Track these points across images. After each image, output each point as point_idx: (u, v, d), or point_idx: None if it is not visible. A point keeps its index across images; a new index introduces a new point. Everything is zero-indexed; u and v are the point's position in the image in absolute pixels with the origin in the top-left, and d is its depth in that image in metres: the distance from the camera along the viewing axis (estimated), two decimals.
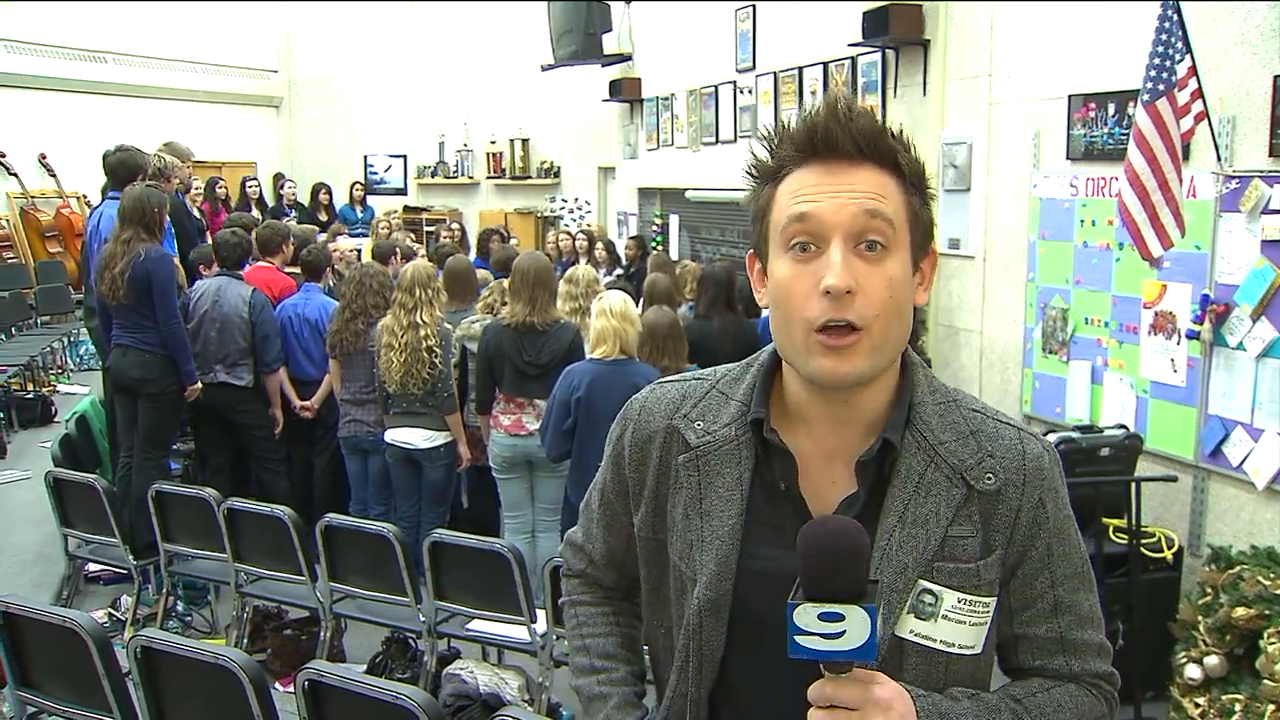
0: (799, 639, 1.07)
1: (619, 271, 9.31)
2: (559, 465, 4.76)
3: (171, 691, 2.76)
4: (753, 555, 1.29)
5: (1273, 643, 3.38)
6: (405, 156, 14.70)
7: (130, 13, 12.29)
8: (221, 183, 10.99)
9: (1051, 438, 4.39)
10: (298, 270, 6.30)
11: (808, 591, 1.08)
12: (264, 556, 4.41)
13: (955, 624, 1.25)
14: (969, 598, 1.25)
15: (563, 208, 14.08)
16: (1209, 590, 3.72)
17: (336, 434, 5.66)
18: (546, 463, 4.83)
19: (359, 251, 7.69)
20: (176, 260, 5.72)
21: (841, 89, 7.12)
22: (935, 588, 1.24)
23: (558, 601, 1.64)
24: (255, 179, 12.03)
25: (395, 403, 5.22)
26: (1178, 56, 3.82)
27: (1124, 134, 4.62)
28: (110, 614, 5.00)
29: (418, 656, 4.25)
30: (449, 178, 14.73)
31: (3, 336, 9.99)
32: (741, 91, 8.98)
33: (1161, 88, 3.81)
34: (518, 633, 3.93)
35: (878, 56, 6.80)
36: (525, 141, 14.30)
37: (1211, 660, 3.62)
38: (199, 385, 5.40)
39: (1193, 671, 3.67)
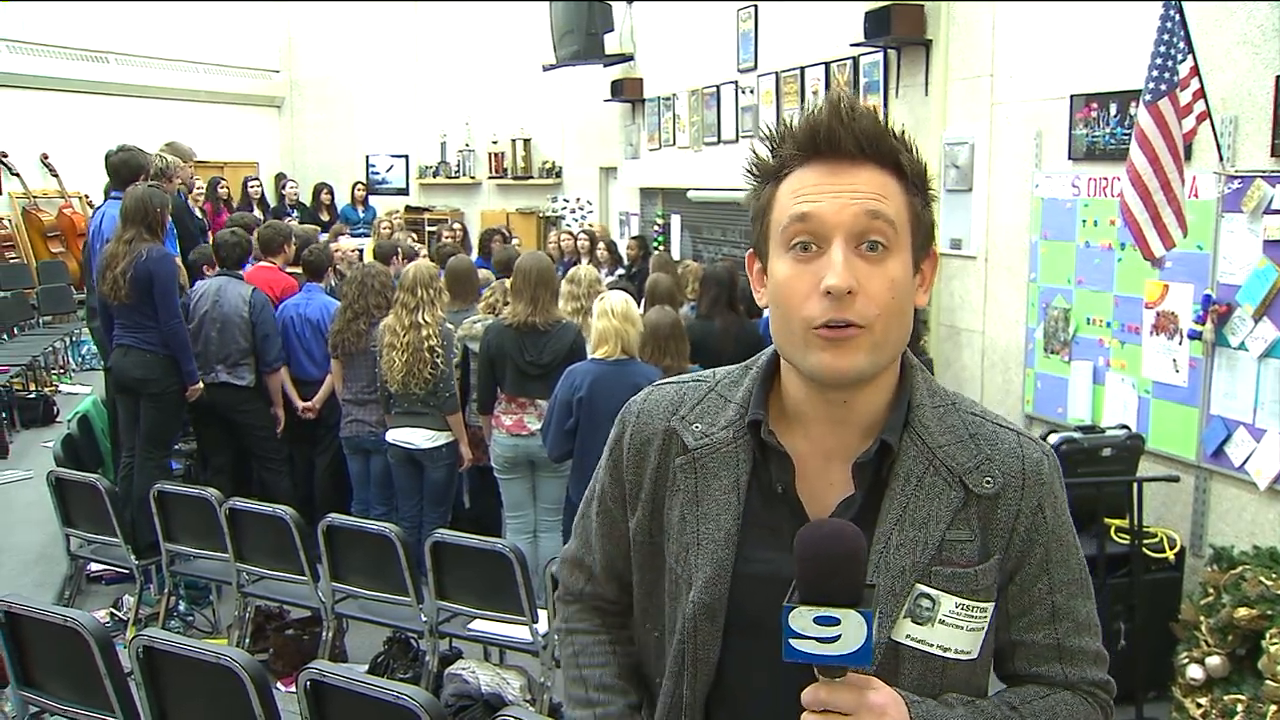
0: (794, 642, 1.07)
1: (620, 271, 9.32)
2: (561, 465, 4.76)
3: (173, 691, 2.76)
4: (749, 558, 1.28)
5: (1275, 643, 3.37)
6: (407, 156, 14.70)
7: (132, 13, 12.30)
8: (223, 183, 10.99)
9: (1053, 438, 4.40)
10: (299, 270, 6.31)
11: (803, 595, 1.08)
12: (266, 556, 4.41)
13: (952, 629, 1.24)
14: (966, 602, 1.24)
15: (564, 208, 14.09)
16: (1211, 590, 3.72)
17: (338, 434, 5.66)
18: (548, 463, 4.83)
19: (361, 251, 7.69)
20: (179, 260, 5.73)
21: (844, 89, 7.12)
22: (933, 592, 1.23)
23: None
24: (257, 179, 12.04)
25: (397, 403, 5.22)
26: (1180, 56, 3.82)
27: (1126, 134, 4.62)
28: (112, 614, 5.00)
29: (419, 656, 4.25)
30: (451, 178, 14.73)
31: (5, 336, 10.00)
32: (743, 91, 8.98)
33: (1164, 88, 3.81)
34: (519, 633, 3.93)
35: (880, 56, 6.80)
36: (527, 141, 14.31)
37: (1213, 660, 3.62)
38: (201, 385, 5.41)
39: (1195, 672, 3.67)
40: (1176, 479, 4.39)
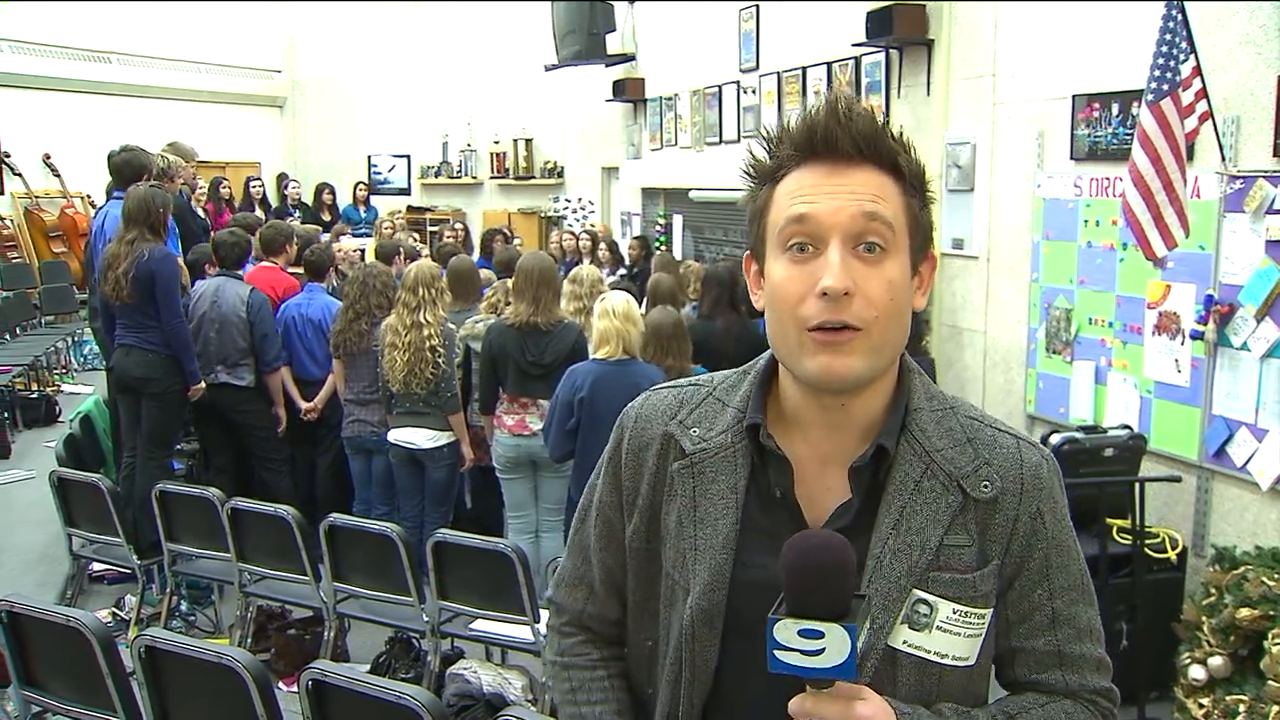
0: (778, 654, 1.06)
1: (622, 271, 9.32)
2: (562, 465, 4.76)
3: (175, 691, 2.77)
4: (747, 564, 1.26)
5: (1277, 643, 3.37)
6: (409, 156, 14.70)
7: (134, 13, 12.30)
8: (225, 183, 11.00)
9: (1055, 438, 4.40)
10: (301, 270, 6.31)
11: (790, 607, 1.07)
12: (267, 556, 4.41)
13: (950, 635, 1.23)
14: (964, 609, 1.23)
15: (566, 208, 14.10)
16: (1213, 591, 3.72)
17: (340, 434, 5.67)
18: (550, 463, 4.83)
19: (362, 251, 7.68)
20: (181, 260, 5.73)
21: (844, 89, 7.11)
22: (930, 598, 1.22)
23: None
24: (259, 179, 12.04)
25: (399, 402, 5.22)
26: (1182, 56, 3.82)
27: (1128, 134, 4.62)
28: (114, 613, 5.01)
29: (421, 656, 4.25)
30: (453, 178, 14.74)
31: (7, 336, 10.00)
32: (745, 91, 8.98)
33: (1166, 88, 3.81)
34: (521, 633, 3.93)
35: (881, 56, 6.79)
36: (529, 141, 14.31)
37: (1216, 661, 3.61)
38: (203, 385, 5.41)
39: (1197, 672, 3.66)
40: (1178, 479, 4.39)
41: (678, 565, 1.30)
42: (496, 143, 14.44)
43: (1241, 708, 3.48)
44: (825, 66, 7.52)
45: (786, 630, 1.06)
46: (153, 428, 5.30)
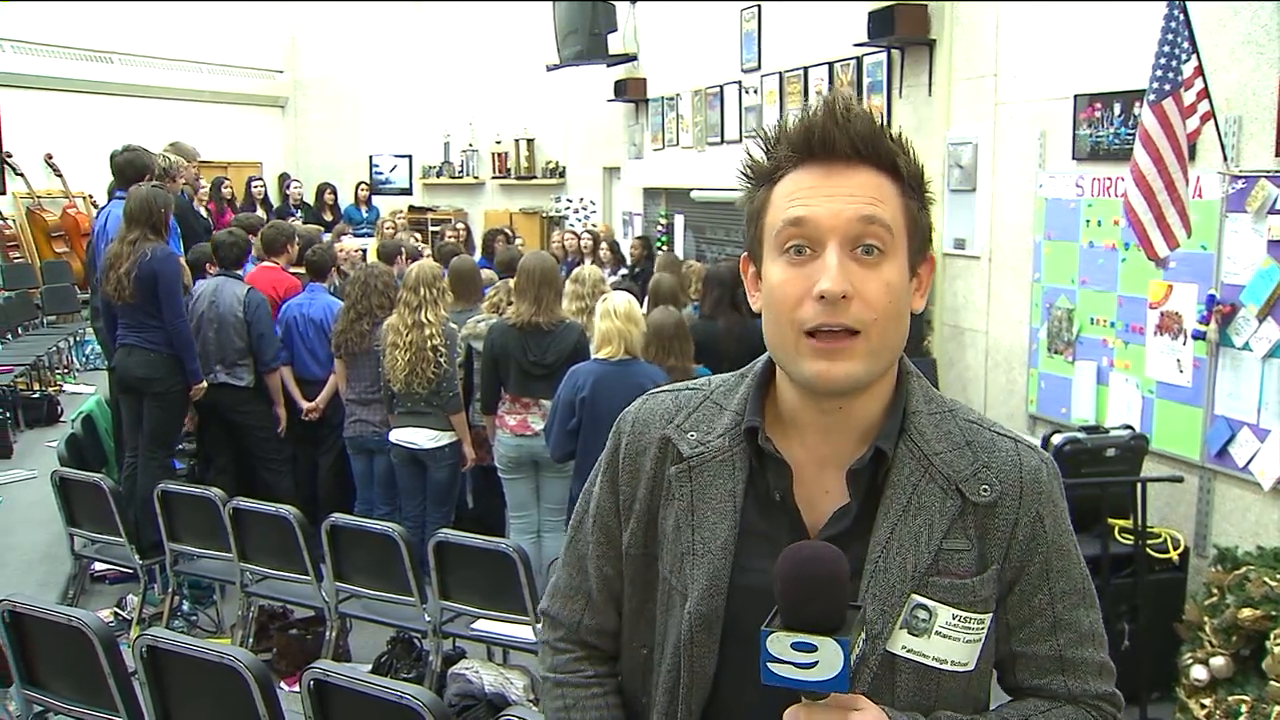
0: (771, 666, 1.05)
1: (624, 271, 9.32)
2: (564, 465, 4.76)
3: (177, 690, 2.77)
4: (746, 568, 1.25)
5: (1279, 644, 3.37)
6: (410, 156, 14.71)
7: (136, 13, 12.31)
8: (227, 183, 11.01)
9: (1057, 438, 4.40)
10: (303, 270, 6.31)
11: (783, 618, 1.06)
12: (269, 556, 4.41)
13: (949, 641, 1.22)
14: (964, 614, 1.22)
15: (568, 208, 14.10)
16: (1215, 591, 3.71)
17: (342, 434, 5.67)
18: (552, 463, 4.83)
19: (364, 251, 7.69)
20: (183, 260, 5.73)
21: (844, 89, 7.11)
22: (929, 603, 1.21)
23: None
24: (261, 179, 12.06)
25: (400, 402, 5.22)
26: (1184, 56, 3.81)
27: (1130, 134, 4.61)
28: (116, 613, 5.01)
29: (423, 656, 4.25)
30: (454, 178, 14.75)
31: (9, 336, 10.01)
32: (747, 91, 8.97)
33: (1167, 87, 3.81)
34: (523, 632, 3.93)
35: (883, 56, 6.79)
36: (530, 141, 14.32)
37: (1218, 661, 3.61)
38: (205, 384, 5.42)
39: (1199, 672, 3.66)
40: (1180, 479, 4.39)
41: (675, 570, 1.29)
42: (498, 143, 14.45)
43: (1243, 708, 3.47)
44: (827, 66, 7.51)
45: (780, 642, 1.05)
46: (154, 427, 5.30)
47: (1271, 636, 3.41)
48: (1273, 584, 3.50)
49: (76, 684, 2.94)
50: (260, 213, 10.12)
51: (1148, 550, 4.24)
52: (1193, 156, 4.10)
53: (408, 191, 14.66)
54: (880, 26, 6.42)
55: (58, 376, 9.61)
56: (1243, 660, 3.58)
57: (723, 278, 5.79)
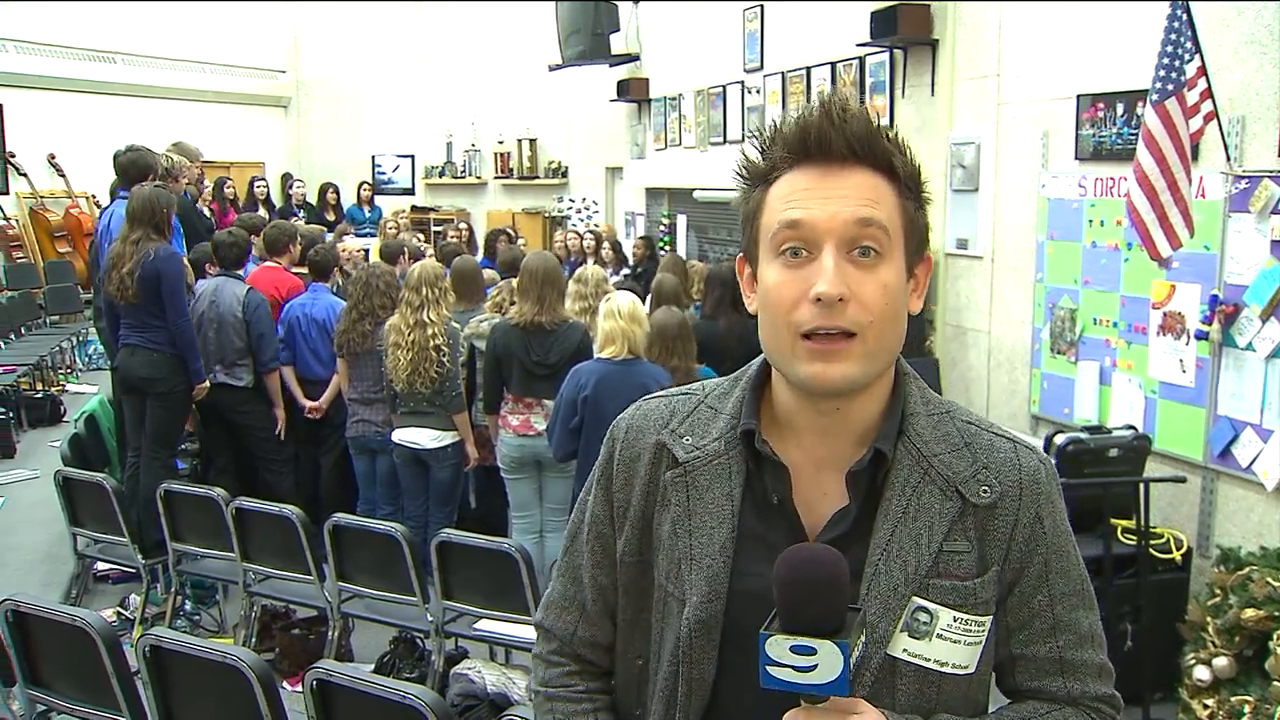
0: (770, 669, 1.05)
1: (626, 271, 9.32)
2: (567, 465, 4.76)
3: (180, 690, 2.77)
4: (744, 573, 1.23)
5: None
6: (413, 156, 14.73)
7: (138, 13, 12.33)
8: (229, 183, 11.02)
9: (1059, 438, 4.39)
10: (305, 270, 6.32)
11: (782, 622, 1.06)
12: (272, 556, 4.42)
13: (950, 643, 1.21)
14: (965, 616, 1.21)
15: (570, 208, 14.10)
16: (1218, 591, 3.71)
17: (344, 434, 5.67)
18: (555, 463, 4.83)
19: (366, 251, 7.70)
20: (186, 260, 5.74)
21: (844, 89, 7.11)
22: (930, 605, 1.20)
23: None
24: (263, 179, 12.07)
25: (403, 402, 5.22)
26: (1187, 56, 3.81)
27: (1133, 134, 4.61)
28: (119, 613, 5.02)
29: (425, 656, 4.25)
30: (456, 178, 14.76)
31: (12, 336, 10.02)
32: (749, 91, 8.97)
33: (1170, 87, 3.80)
34: (525, 633, 3.93)
35: (886, 56, 6.79)
36: (533, 141, 14.33)
37: (1220, 662, 3.60)
38: (207, 384, 5.42)
39: (1201, 673, 3.66)
40: (1183, 480, 4.38)
41: (672, 576, 1.27)
42: (501, 143, 14.46)
43: (1246, 708, 3.47)
44: (830, 66, 7.51)
45: (778, 646, 1.05)
46: (157, 427, 5.30)
47: (1274, 637, 3.41)
48: (1276, 584, 3.49)
49: (79, 684, 2.94)
50: (263, 213, 10.12)
51: (1150, 551, 4.24)
52: (1196, 156, 4.10)
53: (410, 191, 14.68)
54: (883, 26, 6.42)
55: (61, 376, 9.63)
56: (1246, 661, 3.58)
57: (724, 278, 5.79)
